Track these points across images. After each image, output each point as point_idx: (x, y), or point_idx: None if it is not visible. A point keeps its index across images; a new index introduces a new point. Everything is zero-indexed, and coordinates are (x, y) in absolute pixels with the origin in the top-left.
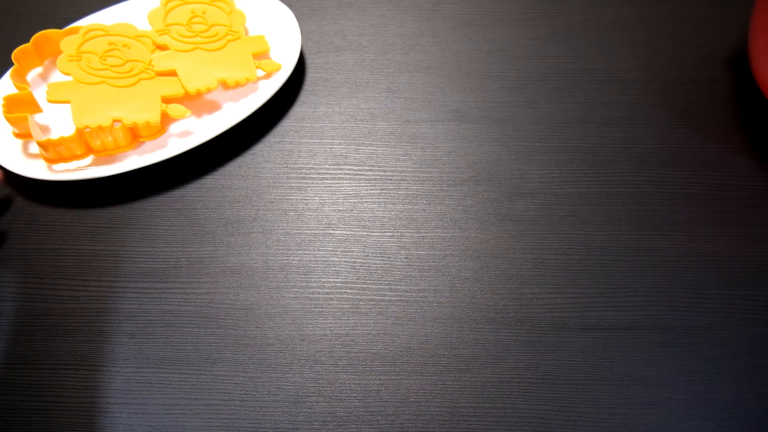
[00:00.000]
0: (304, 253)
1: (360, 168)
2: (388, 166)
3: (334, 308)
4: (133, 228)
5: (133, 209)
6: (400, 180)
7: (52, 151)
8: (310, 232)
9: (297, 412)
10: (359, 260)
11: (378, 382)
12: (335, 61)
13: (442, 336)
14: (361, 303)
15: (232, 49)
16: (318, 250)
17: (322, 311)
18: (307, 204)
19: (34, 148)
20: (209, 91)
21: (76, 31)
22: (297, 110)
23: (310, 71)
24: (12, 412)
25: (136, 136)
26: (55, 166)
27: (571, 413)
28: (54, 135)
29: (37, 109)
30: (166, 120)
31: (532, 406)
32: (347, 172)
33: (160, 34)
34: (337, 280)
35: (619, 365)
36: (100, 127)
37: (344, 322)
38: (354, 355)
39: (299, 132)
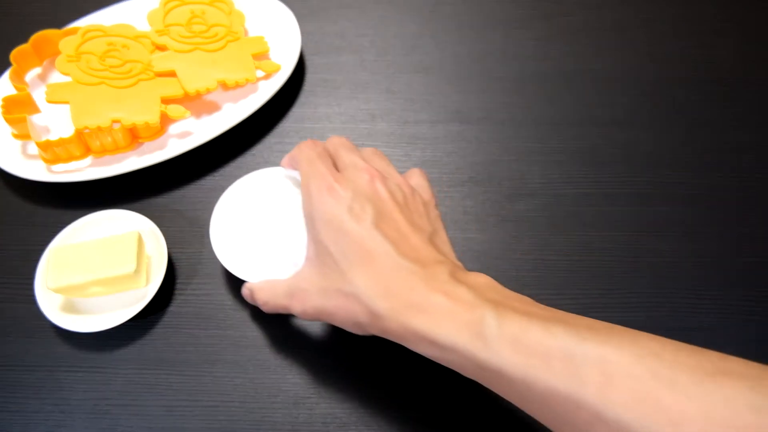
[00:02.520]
0: None
1: None
2: None
3: None
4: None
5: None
6: None
7: (51, 152)
8: None
9: (297, 413)
10: None
11: (378, 383)
12: (335, 61)
13: None
14: None
15: (232, 50)
16: None
17: None
18: None
19: (33, 149)
20: (209, 91)
21: (75, 31)
22: (297, 111)
23: (309, 72)
24: (12, 412)
25: (135, 136)
26: (54, 167)
27: None
28: (53, 136)
29: (35, 109)
30: (165, 121)
31: None
32: None
33: (160, 35)
34: None
35: None
36: (99, 128)
37: None
38: (354, 355)
39: (299, 133)
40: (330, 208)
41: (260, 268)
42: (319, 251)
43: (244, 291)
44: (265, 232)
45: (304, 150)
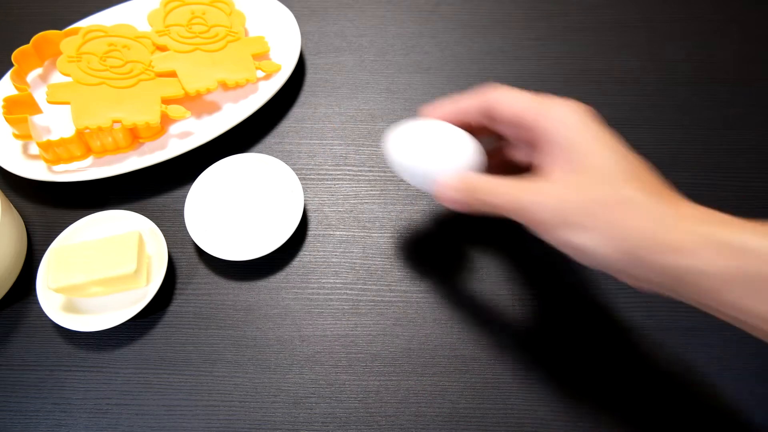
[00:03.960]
0: (304, 254)
1: (360, 169)
2: (388, 167)
3: (333, 309)
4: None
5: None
6: (399, 180)
7: (52, 152)
8: (309, 232)
9: (297, 413)
10: (359, 261)
11: (378, 383)
12: (335, 62)
13: (442, 337)
14: (360, 304)
15: (232, 50)
16: (318, 250)
17: (322, 312)
18: (306, 205)
19: (34, 149)
20: (209, 92)
21: (76, 32)
22: (297, 111)
23: (309, 72)
24: (12, 411)
25: (135, 137)
26: (55, 167)
27: (571, 414)
28: (54, 136)
29: (36, 110)
30: (165, 121)
31: (532, 406)
32: (347, 172)
33: (160, 35)
34: (336, 280)
35: (618, 366)
36: (99, 128)
37: (344, 322)
38: (354, 355)
39: (299, 133)
40: (599, 129)
41: (226, 243)
42: (580, 160)
43: (451, 182)
44: (233, 211)
45: None
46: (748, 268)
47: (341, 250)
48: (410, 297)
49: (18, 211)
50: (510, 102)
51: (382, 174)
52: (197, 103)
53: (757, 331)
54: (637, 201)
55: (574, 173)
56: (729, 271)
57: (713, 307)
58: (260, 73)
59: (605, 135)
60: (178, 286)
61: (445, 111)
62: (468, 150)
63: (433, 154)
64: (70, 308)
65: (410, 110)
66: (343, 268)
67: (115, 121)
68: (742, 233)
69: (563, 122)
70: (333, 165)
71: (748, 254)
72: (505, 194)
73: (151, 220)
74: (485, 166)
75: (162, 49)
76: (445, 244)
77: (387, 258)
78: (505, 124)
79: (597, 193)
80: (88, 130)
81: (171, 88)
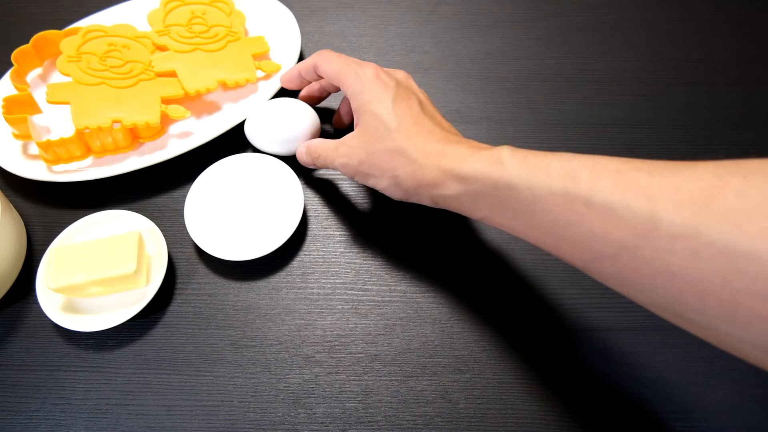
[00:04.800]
0: (304, 254)
1: None
2: None
3: (333, 309)
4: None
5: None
6: None
7: (52, 152)
8: (309, 232)
9: (296, 413)
10: (359, 261)
11: (378, 383)
12: None
13: (442, 337)
14: (360, 304)
15: (232, 50)
16: (318, 250)
17: (322, 312)
18: (306, 205)
19: (33, 149)
20: (209, 91)
21: (75, 32)
22: None
23: None
24: (12, 411)
25: (135, 137)
26: (55, 167)
27: (570, 414)
28: (54, 136)
29: (36, 110)
30: (165, 121)
31: (532, 407)
32: None
33: (160, 35)
34: (336, 280)
35: (618, 366)
36: (99, 128)
37: (344, 323)
38: (354, 356)
39: None
40: (381, 90)
41: (226, 243)
42: (368, 120)
43: (301, 149)
44: (233, 211)
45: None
46: (471, 189)
47: (341, 250)
48: (410, 297)
49: (18, 211)
50: (326, 65)
51: None
52: (197, 103)
53: (513, 232)
54: (403, 149)
55: (361, 130)
56: (464, 193)
57: (483, 221)
58: (260, 73)
59: (383, 94)
60: (178, 286)
61: (293, 74)
62: (305, 121)
63: (282, 132)
64: (70, 308)
65: None
66: (343, 268)
67: (115, 121)
68: (467, 164)
69: (354, 87)
70: None
71: (470, 180)
72: (326, 158)
73: (151, 220)
74: (318, 129)
75: (162, 49)
76: (445, 245)
77: (387, 258)
78: (331, 82)
79: (375, 147)
80: (88, 130)
81: (171, 88)
